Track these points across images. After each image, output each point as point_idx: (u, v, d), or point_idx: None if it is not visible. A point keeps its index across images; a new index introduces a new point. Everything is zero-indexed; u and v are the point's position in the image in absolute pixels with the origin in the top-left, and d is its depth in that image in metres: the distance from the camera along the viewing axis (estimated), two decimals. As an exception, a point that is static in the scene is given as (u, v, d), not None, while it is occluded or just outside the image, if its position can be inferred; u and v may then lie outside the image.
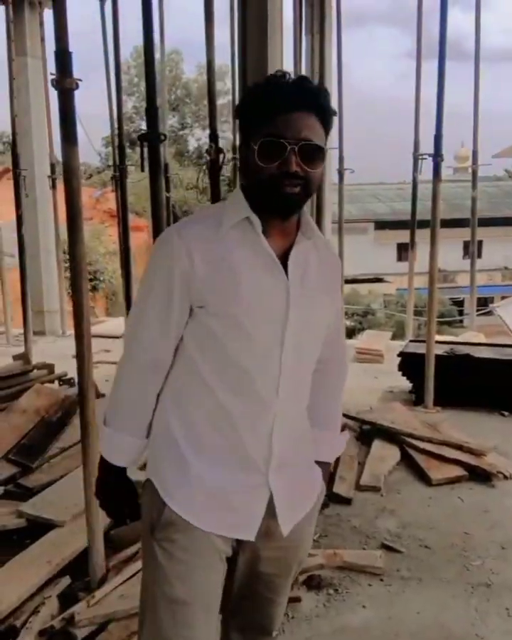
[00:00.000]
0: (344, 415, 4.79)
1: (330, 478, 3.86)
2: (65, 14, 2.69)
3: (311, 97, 1.37)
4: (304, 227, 1.47)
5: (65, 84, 2.66)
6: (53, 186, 8.13)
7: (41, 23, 8.35)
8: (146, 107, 3.48)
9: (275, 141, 1.34)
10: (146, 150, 3.50)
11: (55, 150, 8.25)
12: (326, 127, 1.41)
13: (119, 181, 6.20)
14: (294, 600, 2.74)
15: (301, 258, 1.45)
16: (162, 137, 3.56)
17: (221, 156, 4.44)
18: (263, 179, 1.37)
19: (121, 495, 1.56)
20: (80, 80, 2.83)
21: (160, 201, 3.50)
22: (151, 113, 3.53)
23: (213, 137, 4.52)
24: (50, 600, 2.59)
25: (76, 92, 2.68)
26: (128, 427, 1.51)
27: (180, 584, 1.45)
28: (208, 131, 4.68)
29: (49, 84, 8.17)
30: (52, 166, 8.16)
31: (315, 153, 1.37)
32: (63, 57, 2.69)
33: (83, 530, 3.03)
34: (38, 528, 3.20)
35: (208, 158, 4.87)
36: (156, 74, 3.57)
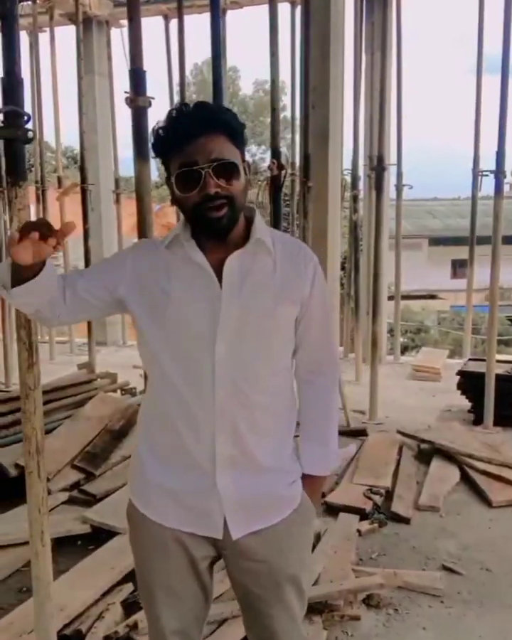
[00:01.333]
0: (402, 433, 4.78)
1: (388, 497, 3.83)
2: (140, 34, 2.79)
3: (211, 119, 1.43)
4: (252, 235, 1.51)
5: (138, 102, 2.75)
6: (117, 201, 8.33)
7: (108, 42, 8.60)
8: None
9: (188, 169, 1.41)
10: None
11: (119, 166, 8.46)
12: (237, 142, 1.46)
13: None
14: (354, 619, 2.73)
15: (238, 266, 1.49)
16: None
17: (283, 172, 4.48)
18: (188, 208, 1.45)
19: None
20: (153, 98, 2.92)
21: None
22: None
23: (275, 153, 4.56)
24: (114, 606, 2.64)
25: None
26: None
27: (144, 569, 1.63)
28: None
29: (115, 101, 8.42)
30: (117, 181, 8.36)
31: (230, 170, 1.42)
32: (137, 76, 2.78)
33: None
34: (101, 535, 3.27)
35: (270, 174, 4.95)
36: (223, 91, 3.64)
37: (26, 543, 3.14)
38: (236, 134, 1.45)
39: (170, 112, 1.46)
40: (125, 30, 9.16)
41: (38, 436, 2.08)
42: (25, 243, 1.31)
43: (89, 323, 6.34)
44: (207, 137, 1.41)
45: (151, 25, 8.64)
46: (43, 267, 1.42)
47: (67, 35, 8.61)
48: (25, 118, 2.10)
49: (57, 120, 8.18)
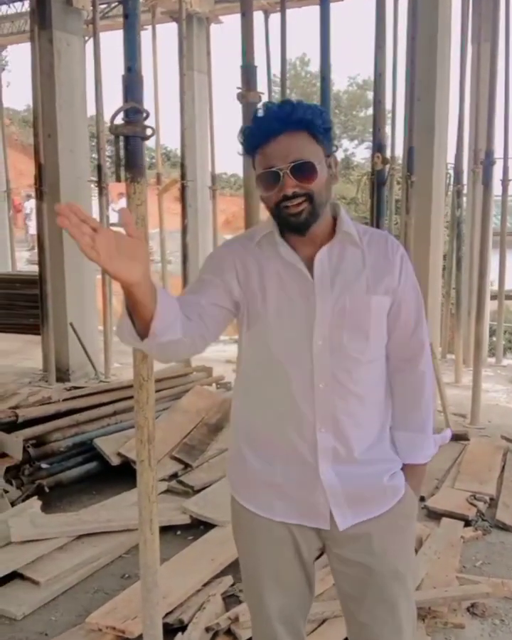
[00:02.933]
0: (506, 439, 4.60)
1: (492, 504, 3.69)
2: (251, 30, 2.79)
3: (292, 117, 1.44)
4: (338, 229, 1.54)
5: (249, 97, 2.75)
6: (213, 197, 8.44)
7: (207, 39, 8.70)
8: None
9: (267, 171, 1.45)
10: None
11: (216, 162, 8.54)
12: (320, 139, 1.47)
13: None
14: (458, 626, 2.64)
15: (328, 261, 1.52)
16: (334, 148, 3.57)
17: (387, 166, 4.38)
18: (271, 207, 1.50)
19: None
20: (262, 93, 2.91)
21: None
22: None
23: (380, 147, 4.46)
24: (215, 598, 2.67)
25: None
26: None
27: (251, 559, 1.65)
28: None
29: (213, 98, 8.52)
30: (213, 178, 8.46)
31: (308, 169, 1.44)
32: (249, 72, 2.78)
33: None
34: (199, 526, 3.32)
35: (372, 169, 4.86)
36: (330, 87, 3.59)
37: (128, 531, 3.27)
38: (318, 131, 1.46)
39: (255, 111, 1.50)
40: (222, 26, 9.27)
41: (150, 426, 2.12)
42: (113, 257, 1.20)
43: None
44: (287, 136, 1.44)
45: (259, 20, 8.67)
46: (153, 288, 1.31)
47: (165, 32, 8.82)
48: (144, 115, 2.15)
49: (157, 117, 8.35)
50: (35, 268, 6.76)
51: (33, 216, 17.61)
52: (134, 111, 2.09)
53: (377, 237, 1.58)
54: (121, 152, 2.19)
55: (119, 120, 2.11)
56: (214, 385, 5.61)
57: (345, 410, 1.53)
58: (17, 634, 2.65)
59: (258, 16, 8.46)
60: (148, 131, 2.13)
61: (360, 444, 1.55)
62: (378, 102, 4.60)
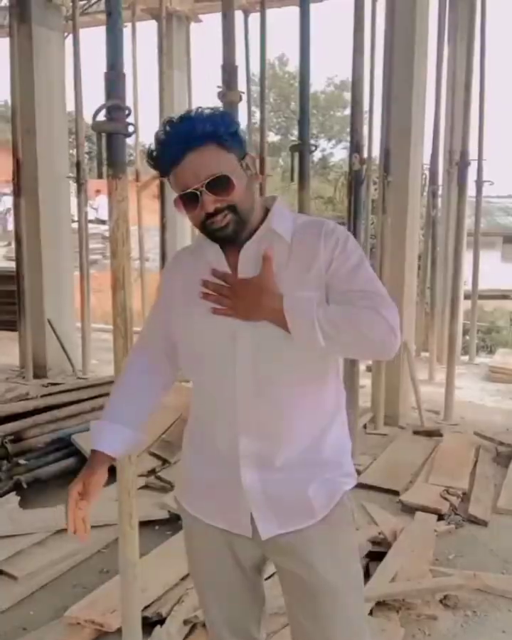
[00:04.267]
0: (479, 435, 4.68)
1: (464, 499, 3.77)
2: (232, 30, 2.82)
3: (192, 134, 1.39)
4: (263, 225, 1.49)
5: (230, 96, 2.78)
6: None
7: (187, 37, 8.70)
8: (298, 119, 3.56)
9: (185, 193, 1.42)
10: (296, 160, 3.58)
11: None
12: (227, 145, 1.42)
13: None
14: (430, 618, 2.70)
15: (253, 258, 1.47)
16: (312, 148, 3.63)
17: (364, 166, 4.44)
18: (196, 224, 1.47)
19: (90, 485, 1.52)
20: (243, 93, 2.94)
21: (308, 210, 3.57)
22: (303, 125, 3.61)
23: (357, 147, 4.50)
24: (193, 591, 2.69)
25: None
26: (117, 416, 1.59)
27: (190, 562, 1.68)
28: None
29: (192, 96, 8.52)
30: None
31: (223, 183, 1.41)
32: (229, 71, 2.81)
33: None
34: (177, 520, 3.34)
35: (350, 169, 4.92)
36: (309, 87, 3.64)
37: (106, 525, 3.28)
38: (224, 138, 1.41)
39: (157, 134, 1.44)
40: (202, 25, 9.27)
41: (130, 422, 2.14)
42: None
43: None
44: (195, 153, 1.40)
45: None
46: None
47: (145, 30, 8.79)
48: (126, 112, 2.17)
49: (136, 114, 8.33)
50: (13, 264, 6.72)
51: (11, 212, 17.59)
52: (116, 108, 2.11)
53: (311, 227, 1.49)
54: (102, 149, 2.21)
55: (100, 117, 2.13)
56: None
57: (267, 414, 1.47)
58: (-5, 627, 2.66)
59: (238, 16, 8.49)
60: (130, 129, 2.15)
61: (281, 453, 1.48)
62: (356, 103, 4.65)
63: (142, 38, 8.60)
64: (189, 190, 1.40)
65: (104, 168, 2.17)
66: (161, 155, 1.44)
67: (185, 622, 2.52)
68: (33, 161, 6.11)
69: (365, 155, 7.22)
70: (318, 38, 7.14)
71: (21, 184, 6.04)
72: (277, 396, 1.46)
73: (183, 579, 2.83)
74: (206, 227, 1.45)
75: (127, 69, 7.23)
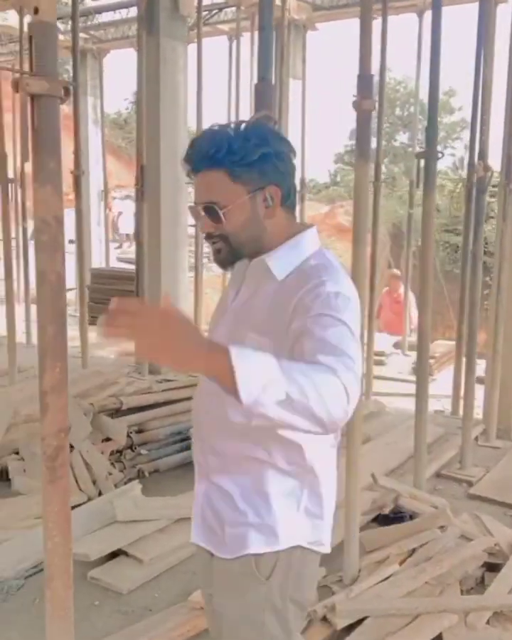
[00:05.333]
0: None
1: None
2: (369, 39, 2.87)
3: (199, 155, 1.38)
4: (264, 257, 1.44)
5: (364, 105, 2.84)
6: (301, 201, 8.54)
7: (303, 46, 8.82)
8: (426, 127, 3.57)
9: (191, 207, 1.45)
10: (422, 167, 3.58)
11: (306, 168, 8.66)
12: (237, 175, 1.36)
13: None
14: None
15: (254, 287, 1.47)
16: (439, 155, 3.63)
17: (488, 173, 4.38)
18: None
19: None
20: (376, 101, 2.99)
21: (432, 217, 3.57)
22: (431, 133, 3.61)
23: (481, 154, 4.43)
24: (310, 587, 2.76)
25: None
26: None
27: None
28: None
29: (306, 105, 8.63)
30: (302, 182, 8.57)
31: (212, 213, 1.39)
32: (364, 80, 2.86)
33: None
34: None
35: (469, 177, 4.86)
36: (438, 94, 3.64)
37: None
38: (235, 168, 1.36)
39: (192, 141, 1.44)
40: (316, 33, 9.36)
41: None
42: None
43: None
44: (203, 174, 1.40)
45: (348, 28, 8.75)
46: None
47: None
48: (273, 122, 2.27)
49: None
50: (125, 265, 7.01)
51: (125, 216, 18.32)
52: (266, 118, 2.21)
53: (306, 276, 1.37)
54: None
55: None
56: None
57: (214, 438, 1.53)
58: (123, 607, 2.83)
59: (355, 23, 8.53)
60: (277, 138, 2.26)
61: (222, 480, 1.52)
62: (484, 109, 4.58)
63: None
64: (195, 206, 1.43)
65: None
66: (185, 164, 1.44)
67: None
68: (155, 167, 6.37)
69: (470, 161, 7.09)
70: (425, 45, 7.08)
71: (144, 189, 6.32)
72: (226, 428, 1.39)
73: (300, 574, 2.91)
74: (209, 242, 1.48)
75: (245, 78, 7.39)
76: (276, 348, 1.26)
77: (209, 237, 1.43)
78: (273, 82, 2.27)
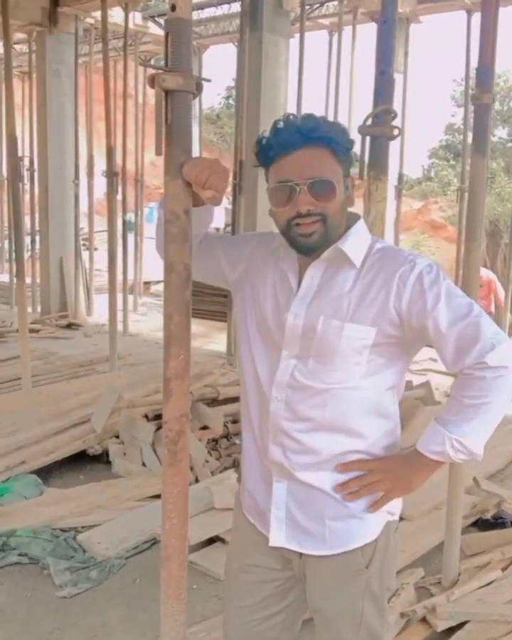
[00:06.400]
0: None
1: None
2: (491, 32, 2.79)
3: (314, 132, 1.36)
4: (336, 245, 1.43)
5: (483, 99, 2.76)
6: (398, 196, 8.43)
7: (406, 39, 8.66)
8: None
9: (282, 185, 1.38)
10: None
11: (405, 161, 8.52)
12: (341, 158, 1.40)
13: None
14: None
15: (319, 277, 1.45)
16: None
17: None
18: (281, 223, 1.42)
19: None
20: (496, 95, 2.90)
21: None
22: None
23: None
24: (408, 586, 2.74)
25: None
26: None
27: (228, 558, 1.71)
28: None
29: (407, 99, 8.48)
30: (401, 177, 8.45)
31: (325, 188, 1.37)
32: (484, 74, 2.79)
33: (431, 527, 3.15)
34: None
35: None
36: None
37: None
38: (340, 150, 1.40)
39: (276, 122, 1.43)
40: (419, 26, 9.16)
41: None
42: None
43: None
44: (308, 150, 1.38)
45: (451, 20, 8.52)
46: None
47: (363, 33, 8.88)
48: (392, 115, 2.25)
49: (350, 117, 8.48)
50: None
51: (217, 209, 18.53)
52: (384, 112, 2.20)
53: (389, 260, 1.42)
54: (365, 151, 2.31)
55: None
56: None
57: (295, 433, 1.47)
58: (220, 593, 2.88)
59: (461, 16, 8.30)
60: (395, 131, 2.24)
61: (303, 470, 1.48)
62: None
63: (361, 42, 8.71)
64: (290, 183, 1.38)
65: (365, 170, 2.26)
66: (274, 141, 1.40)
67: (402, 615, 2.57)
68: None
69: None
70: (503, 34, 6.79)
71: (242, 184, 6.40)
72: (305, 414, 1.48)
73: (397, 573, 2.88)
74: (290, 228, 1.41)
75: (345, 71, 7.32)
76: (380, 338, 1.40)
77: (307, 215, 1.39)
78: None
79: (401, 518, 3.19)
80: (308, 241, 1.40)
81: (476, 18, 7.86)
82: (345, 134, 1.43)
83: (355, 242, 1.45)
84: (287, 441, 1.49)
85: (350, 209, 1.48)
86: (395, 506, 1.54)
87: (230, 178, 6.84)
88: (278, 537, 1.53)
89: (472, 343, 1.36)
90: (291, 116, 1.42)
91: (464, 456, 1.41)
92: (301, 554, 1.53)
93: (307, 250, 1.43)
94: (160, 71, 1.53)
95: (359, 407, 1.46)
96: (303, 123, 1.39)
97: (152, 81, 1.49)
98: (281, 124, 1.41)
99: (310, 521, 1.50)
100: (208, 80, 1.60)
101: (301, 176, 1.37)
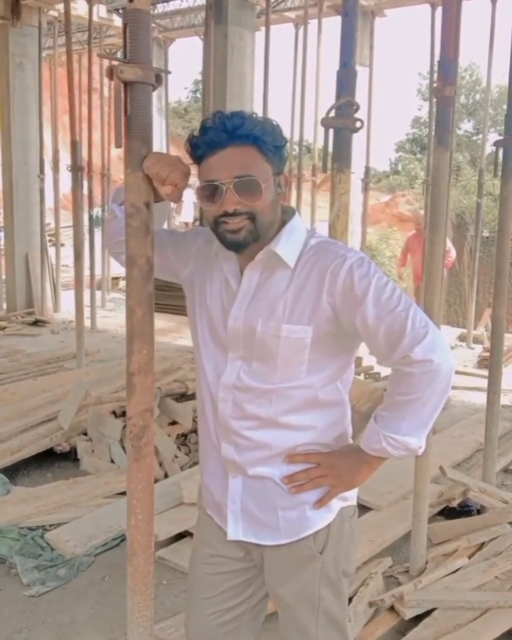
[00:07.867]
0: None
1: None
2: (453, 24, 2.80)
3: (239, 130, 1.36)
4: (268, 246, 1.44)
5: (445, 91, 2.78)
6: (365, 189, 8.47)
7: (371, 32, 8.70)
8: (506, 114, 3.47)
9: (210, 184, 1.38)
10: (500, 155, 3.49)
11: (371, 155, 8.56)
12: (268, 155, 1.39)
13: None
14: None
15: (256, 278, 1.46)
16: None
17: None
18: (210, 221, 1.42)
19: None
20: (459, 89, 2.92)
21: (509, 208, 3.48)
22: (510, 120, 3.52)
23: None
24: (377, 576, 2.76)
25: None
26: None
27: (192, 551, 1.73)
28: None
29: (373, 92, 8.52)
30: (367, 170, 8.49)
31: (251, 186, 1.36)
32: (446, 67, 2.81)
33: (398, 517, 3.18)
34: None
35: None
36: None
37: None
38: (268, 148, 1.39)
39: (205, 120, 1.43)
40: (384, 19, 9.21)
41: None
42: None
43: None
44: (233, 149, 1.37)
45: (416, 14, 8.58)
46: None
47: (329, 26, 8.89)
48: (355, 108, 2.26)
49: (316, 110, 8.50)
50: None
51: (184, 204, 18.52)
52: (347, 104, 2.20)
53: (321, 255, 1.43)
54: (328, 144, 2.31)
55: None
56: (363, 374, 5.68)
57: (243, 430, 1.50)
58: (190, 587, 2.88)
59: (425, 9, 8.36)
60: (358, 124, 2.24)
61: (254, 465, 1.51)
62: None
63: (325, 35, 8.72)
64: (216, 182, 1.37)
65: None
66: (201, 140, 1.40)
67: (371, 604, 2.59)
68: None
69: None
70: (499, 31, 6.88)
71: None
72: (251, 412, 1.50)
73: (364, 563, 2.91)
74: (218, 225, 1.41)
75: (311, 65, 7.33)
76: (319, 335, 1.42)
77: (233, 215, 1.38)
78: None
79: (368, 508, 3.22)
80: (236, 237, 1.40)
81: (440, 11, 7.98)
82: (274, 131, 1.41)
83: (288, 242, 1.45)
84: (238, 439, 1.51)
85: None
86: (349, 492, 1.56)
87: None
88: (235, 531, 1.56)
89: (399, 337, 1.37)
90: (219, 115, 1.41)
91: (403, 452, 1.45)
92: (258, 545, 1.55)
93: (236, 246, 1.43)
94: (118, 62, 1.51)
95: (305, 403, 1.48)
96: (229, 121, 1.38)
97: (110, 73, 1.47)
98: (209, 123, 1.40)
99: (264, 513, 1.53)
100: (168, 72, 1.59)
101: (227, 175, 1.37)
